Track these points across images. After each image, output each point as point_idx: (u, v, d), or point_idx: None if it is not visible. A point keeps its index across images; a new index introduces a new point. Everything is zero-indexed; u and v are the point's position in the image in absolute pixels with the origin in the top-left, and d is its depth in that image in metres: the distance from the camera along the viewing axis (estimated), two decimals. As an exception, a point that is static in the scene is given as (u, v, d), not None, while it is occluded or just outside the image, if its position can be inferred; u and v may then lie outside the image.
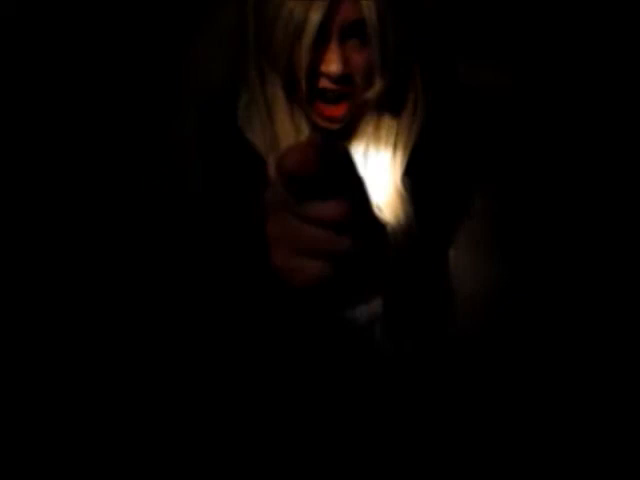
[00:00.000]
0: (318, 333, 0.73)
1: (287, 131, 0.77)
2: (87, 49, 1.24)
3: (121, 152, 1.23)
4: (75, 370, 1.22)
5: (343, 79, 0.73)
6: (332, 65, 0.72)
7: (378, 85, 0.75)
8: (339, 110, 0.76)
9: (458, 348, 0.88)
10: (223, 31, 1.02)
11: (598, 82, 1.22)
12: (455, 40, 1.01)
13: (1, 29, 1.21)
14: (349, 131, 0.81)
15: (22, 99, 1.24)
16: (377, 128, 0.80)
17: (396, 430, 0.86)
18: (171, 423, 1.11)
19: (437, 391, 0.86)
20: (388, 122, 0.79)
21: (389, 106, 0.78)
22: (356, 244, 0.45)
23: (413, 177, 0.81)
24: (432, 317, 0.84)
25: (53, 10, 1.22)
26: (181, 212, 0.88)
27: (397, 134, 0.79)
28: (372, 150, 0.79)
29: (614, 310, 1.20)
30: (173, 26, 1.24)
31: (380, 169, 0.79)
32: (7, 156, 1.24)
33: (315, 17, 0.68)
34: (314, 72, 0.74)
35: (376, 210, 0.73)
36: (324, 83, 0.74)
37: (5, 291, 1.22)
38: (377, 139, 0.80)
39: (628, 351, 1.19)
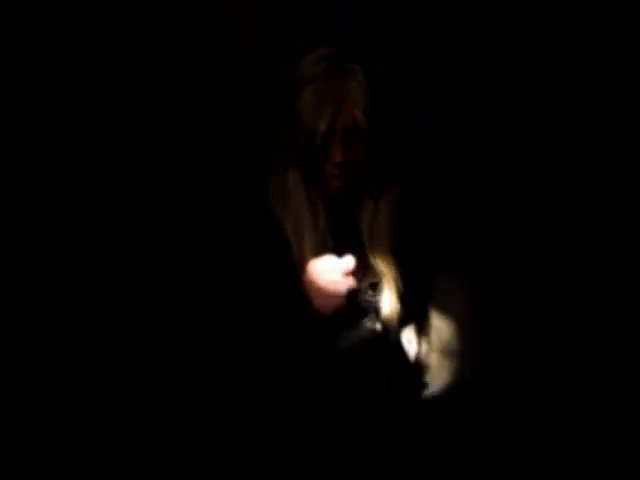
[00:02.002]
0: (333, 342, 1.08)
1: (304, 207, 1.09)
2: (87, 49, 1.25)
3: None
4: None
5: (344, 164, 1.06)
6: (337, 157, 1.05)
7: (369, 165, 1.09)
8: (343, 182, 1.09)
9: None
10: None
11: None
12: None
13: (1, 29, 1.21)
14: (358, 201, 1.13)
15: (22, 98, 1.24)
16: (378, 197, 1.12)
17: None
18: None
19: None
20: (385, 192, 1.12)
21: (384, 181, 1.13)
22: (354, 288, 1.05)
23: (400, 224, 1.14)
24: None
25: (53, 10, 1.23)
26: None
27: (388, 200, 1.12)
28: (375, 211, 1.13)
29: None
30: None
31: (379, 223, 1.12)
32: (7, 155, 1.24)
33: (322, 125, 1.03)
34: (323, 162, 1.07)
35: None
36: (331, 170, 1.07)
37: (4, 292, 1.23)
38: (378, 204, 1.12)
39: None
